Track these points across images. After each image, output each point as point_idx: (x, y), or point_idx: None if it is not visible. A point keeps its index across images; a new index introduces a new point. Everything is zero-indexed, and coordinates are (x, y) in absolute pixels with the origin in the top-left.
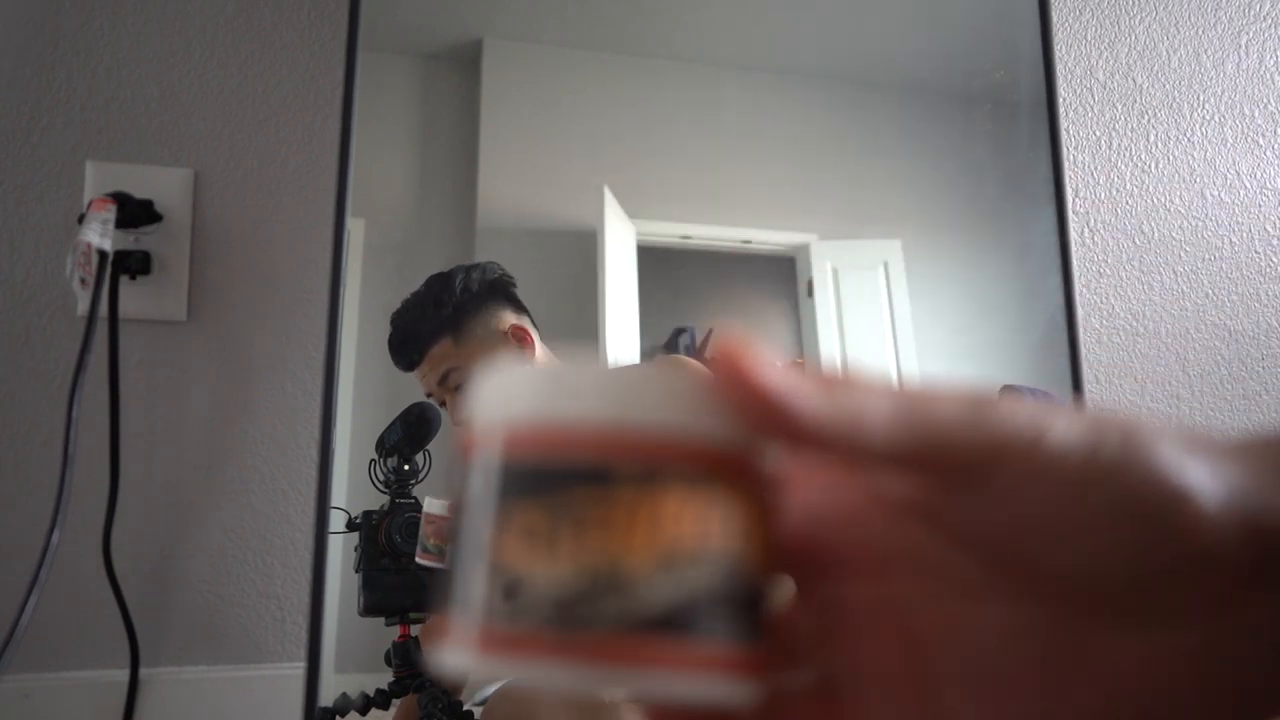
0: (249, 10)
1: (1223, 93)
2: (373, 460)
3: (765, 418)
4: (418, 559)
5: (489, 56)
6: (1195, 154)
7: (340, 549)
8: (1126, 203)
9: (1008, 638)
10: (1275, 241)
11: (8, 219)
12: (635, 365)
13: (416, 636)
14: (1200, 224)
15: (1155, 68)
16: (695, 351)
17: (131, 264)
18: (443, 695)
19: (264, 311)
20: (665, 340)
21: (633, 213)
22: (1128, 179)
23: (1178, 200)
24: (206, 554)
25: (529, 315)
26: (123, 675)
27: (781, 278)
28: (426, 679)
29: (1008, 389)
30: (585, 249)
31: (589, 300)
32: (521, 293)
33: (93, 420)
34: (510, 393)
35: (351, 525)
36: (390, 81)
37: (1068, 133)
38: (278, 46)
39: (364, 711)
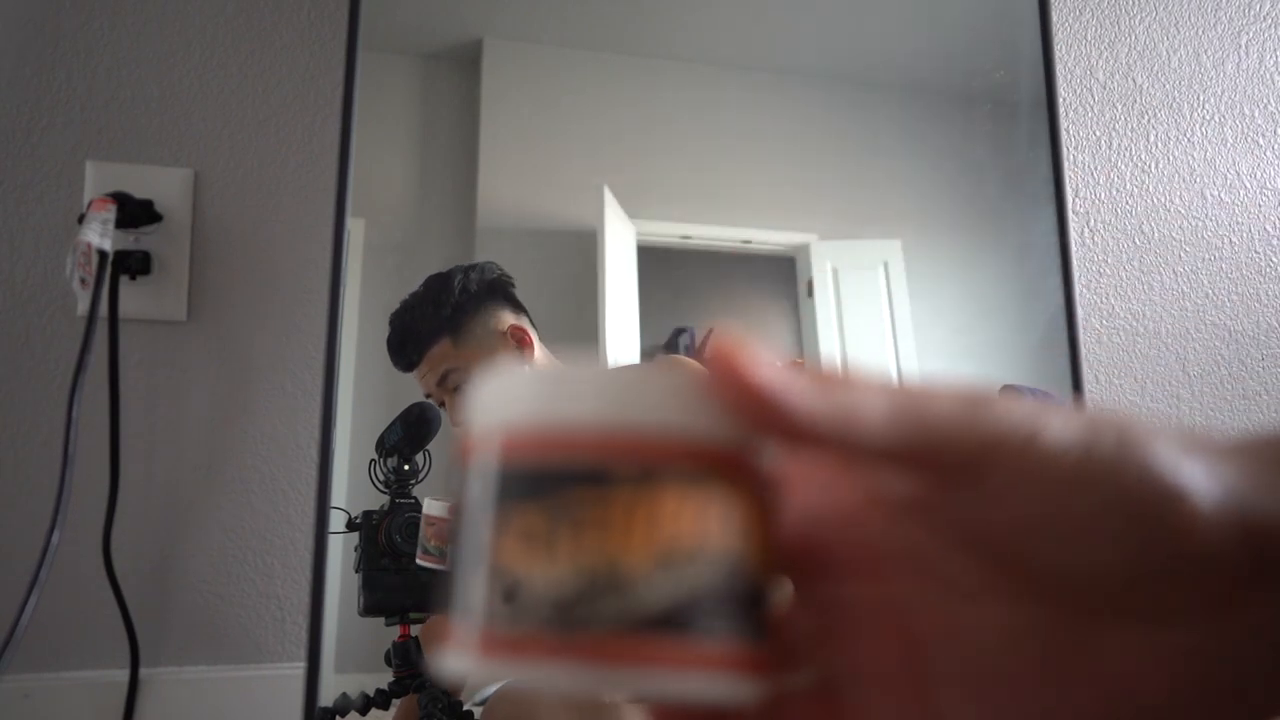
0: (249, 10)
1: (1223, 93)
2: (373, 460)
3: (760, 416)
4: (418, 560)
5: (489, 56)
6: (1195, 154)
7: (340, 549)
8: (1126, 203)
9: (1007, 638)
10: (1275, 241)
11: (8, 219)
12: (632, 366)
13: (416, 636)
14: (1200, 224)
15: (1155, 68)
16: (695, 352)
17: (131, 264)
18: (443, 695)
19: (264, 311)
20: (665, 340)
21: (633, 213)
22: (1128, 179)
23: (1178, 200)
24: (206, 554)
25: (528, 315)
26: (123, 675)
27: (781, 278)
28: (426, 679)
29: (1008, 389)
30: (585, 249)
31: (589, 300)
32: (521, 293)
33: (93, 420)
34: (507, 396)
35: (351, 525)
36: (390, 81)
37: (1068, 133)
38: (278, 46)
39: (364, 711)
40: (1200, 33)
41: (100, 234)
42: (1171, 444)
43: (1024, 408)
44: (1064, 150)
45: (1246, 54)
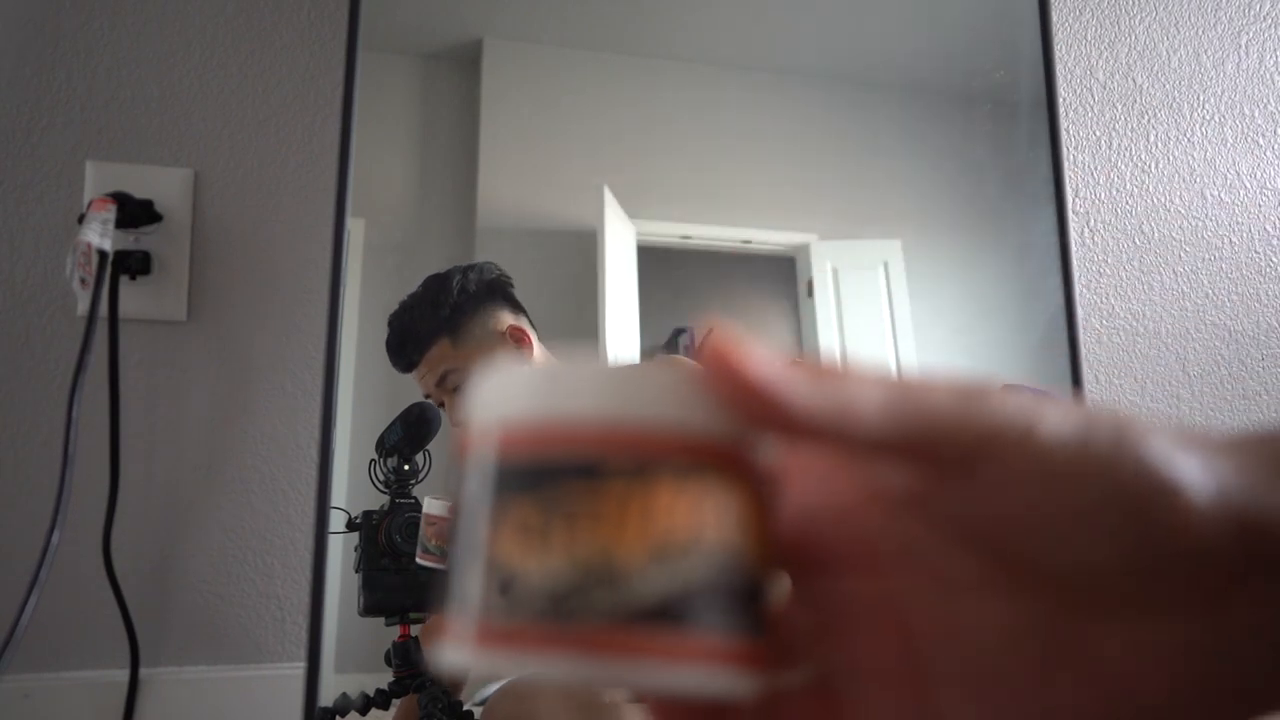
0: (249, 10)
1: (1223, 93)
2: (373, 460)
3: (756, 410)
4: (418, 559)
5: (489, 56)
6: (1195, 154)
7: (340, 549)
8: (1126, 203)
9: (1005, 634)
10: (1275, 241)
11: (8, 219)
12: (628, 363)
13: (416, 636)
14: (1200, 224)
15: (1155, 68)
16: (693, 351)
17: (131, 264)
18: (443, 695)
19: (264, 311)
20: (665, 340)
21: (633, 213)
22: (1128, 179)
23: (1178, 200)
24: (206, 554)
25: (526, 315)
26: (123, 675)
27: (781, 278)
28: (426, 679)
29: (1009, 388)
30: (585, 249)
31: (589, 300)
32: (521, 293)
33: (93, 420)
34: (504, 392)
35: (351, 525)
36: (390, 81)
37: (1068, 133)
38: (278, 46)
39: (364, 711)
40: (1200, 33)
41: (100, 234)
42: (1167, 440)
43: (1020, 401)
44: (1064, 150)
45: (1246, 54)
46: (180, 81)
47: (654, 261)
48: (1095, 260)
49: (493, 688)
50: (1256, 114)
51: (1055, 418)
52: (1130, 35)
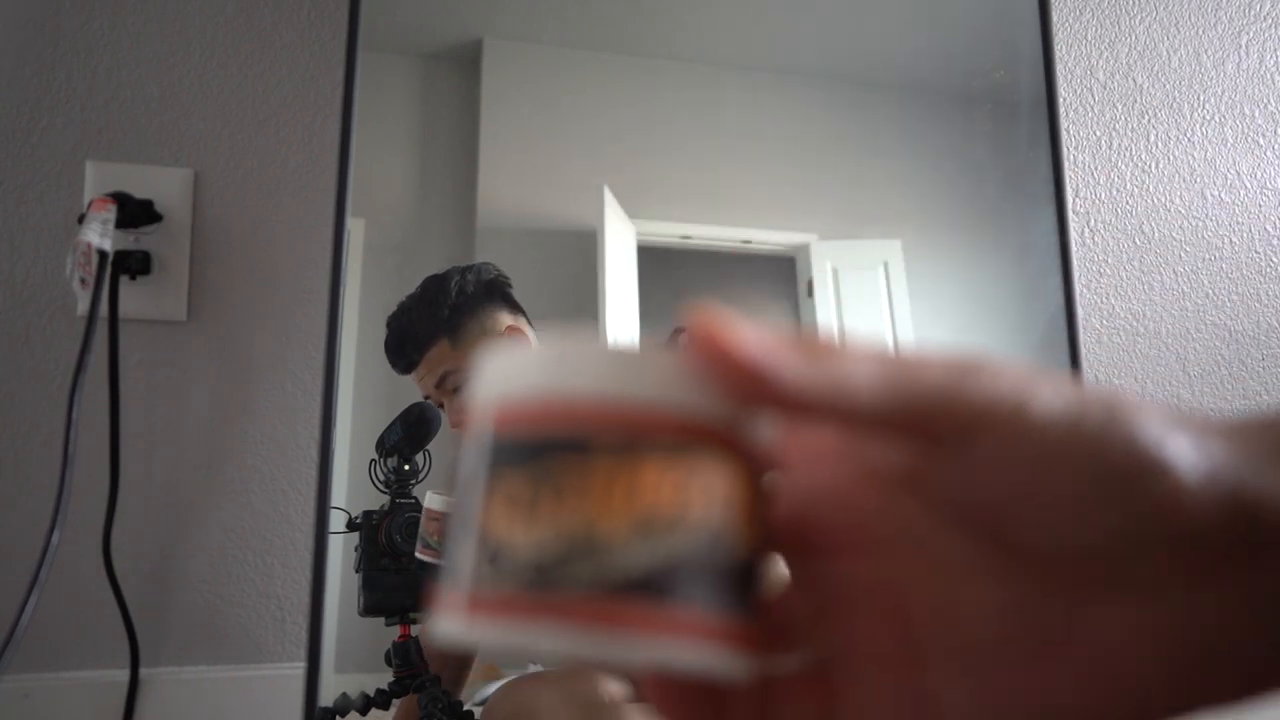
0: (249, 10)
1: (1223, 93)
2: (373, 460)
3: (747, 387)
4: (417, 554)
5: (489, 56)
6: (1195, 154)
7: (340, 549)
8: (1126, 203)
9: (999, 616)
10: (1275, 241)
11: (8, 219)
12: (626, 344)
13: (416, 636)
14: (1200, 224)
15: (1155, 68)
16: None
17: (131, 264)
18: (443, 695)
19: (264, 311)
20: (665, 341)
21: (633, 213)
22: (1128, 179)
23: (1178, 200)
24: (206, 554)
25: (525, 316)
26: (123, 675)
27: (781, 278)
28: (426, 679)
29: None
30: (585, 249)
31: (589, 300)
32: (521, 293)
33: (93, 420)
34: (503, 372)
35: (351, 525)
36: (390, 81)
37: (1068, 133)
38: (278, 46)
39: (364, 711)
40: (1200, 33)
41: (100, 234)
42: (1159, 419)
43: (1013, 378)
44: (1064, 150)
45: (1246, 54)
46: (180, 81)
47: (654, 261)
48: (1095, 260)
49: (493, 687)
50: (1256, 114)
51: (1048, 395)
52: (1130, 35)
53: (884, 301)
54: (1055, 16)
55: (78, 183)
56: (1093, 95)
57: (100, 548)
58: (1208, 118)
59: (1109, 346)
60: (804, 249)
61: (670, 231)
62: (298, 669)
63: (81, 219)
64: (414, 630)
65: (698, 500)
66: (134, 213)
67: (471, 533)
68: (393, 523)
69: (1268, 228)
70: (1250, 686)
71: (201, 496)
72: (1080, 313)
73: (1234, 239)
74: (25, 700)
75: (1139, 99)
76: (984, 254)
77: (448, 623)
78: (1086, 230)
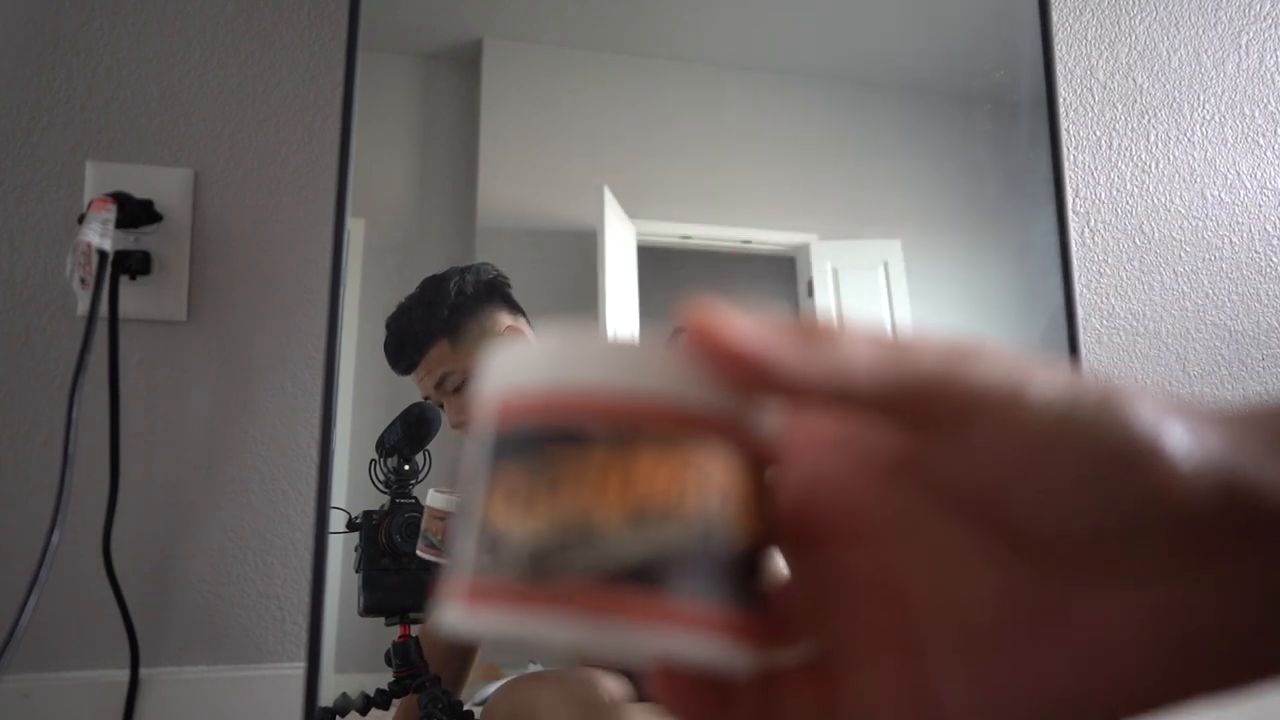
0: (249, 10)
1: (1223, 93)
2: (373, 460)
3: (746, 376)
4: (420, 552)
5: (489, 56)
6: (1195, 154)
7: (340, 549)
8: (1126, 203)
9: (995, 604)
10: (1275, 241)
11: (8, 219)
12: (625, 337)
13: (416, 636)
14: (1200, 224)
15: (1155, 68)
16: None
17: (131, 264)
18: (443, 695)
19: (264, 311)
20: (665, 339)
21: (633, 213)
22: (1128, 179)
23: (1178, 200)
24: (206, 554)
25: (525, 316)
26: (123, 675)
27: (781, 278)
28: (426, 679)
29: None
30: (585, 249)
31: (589, 300)
32: (521, 293)
33: (93, 420)
34: (507, 367)
35: (351, 525)
36: (390, 81)
37: (1068, 133)
38: (278, 46)
39: (364, 711)
40: (1200, 33)
41: (100, 234)
42: (1154, 406)
43: (1010, 363)
44: (1064, 150)
45: (1246, 54)
46: (180, 81)
47: (654, 261)
48: (1095, 260)
49: (492, 687)
50: (1256, 114)
51: (1043, 381)
52: (1130, 35)
53: (884, 301)
54: (1055, 16)
55: (78, 183)
56: (1093, 95)
57: (100, 548)
58: (1208, 118)
59: (1109, 346)
60: (804, 249)
61: (670, 231)
62: (298, 669)
63: (81, 219)
64: (414, 630)
65: (694, 491)
66: (134, 213)
67: (473, 525)
68: (393, 523)
69: (1268, 228)
70: (1249, 674)
71: (201, 496)
72: (1080, 313)
73: (1234, 239)
74: (25, 700)
75: (1139, 99)
76: (984, 254)
77: (449, 612)
78: (1086, 230)
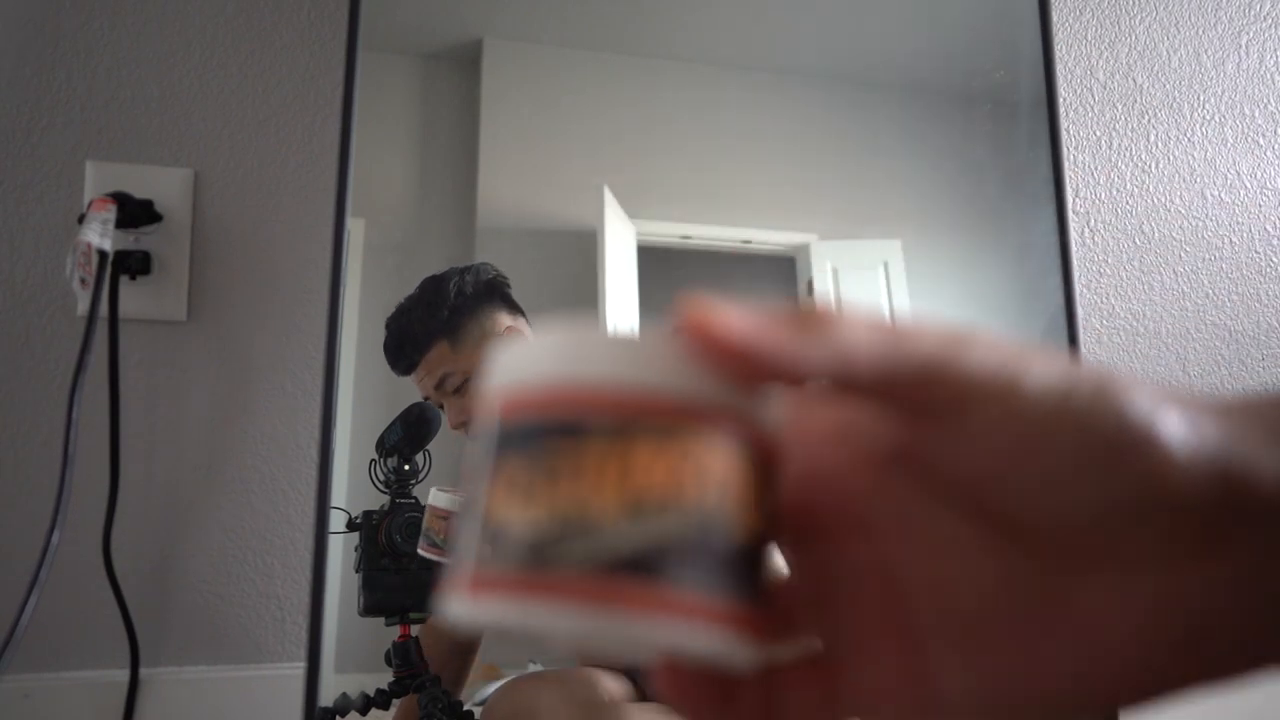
0: (249, 10)
1: (1223, 93)
2: (373, 460)
3: (744, 368)
4: (421, 551)
5: (489, 56)
6: (1195, 154)
7: (340, 549)
8: (1126, 203)
9: (992, 591)
10: (1275, 241)
11: (8, 219)
12: (626, 331)
13: (416, 636)
14: (1200, 224)
15: (1155, 68)
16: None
17: (131, 264)
18: (443, 695)
19: (264, 311)
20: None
21: (633, 213)
22: (1128, 179)
23: (1178, 200)
24: (206, 554)
25: (524, 316)
26: (123, 675)
27: (781, 278)
28: (426, 679)
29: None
30: (585, 249)
31: (589, 300)
32: (521, 293)
33: (93, 420)
34: (512, 362)
35: (351, 525)
36: (390, 81)
37: (1068, 133)
38: (278, 46)
39: (364, 711)
40: (1200, 33)
41: (100, 234)
42: (1150, 394)
43: (1006, 351)
44: (1064, 150)
45: (1246, 54)
46: (180, 81)
47: (654, 261)
48: (1095, 260)
49: (492, 687)
50: (1257, 114)
51: (1039, 369)
52: (1130, 35)
53: (884, 301)
54: (1055, 16)
55: (78, 183)
56: (1093, 95)
57: (100, 548)
58: (1208, 118)
59: (1109, 346)
60: (804, 249)
61: (670, 231)
62: (298, 669)
63: (81, 219)
64: (414, 630)
65: (691, 483)
66: (134, 213)
67: (476, 517)
68: (393, 523)
69: (1268, 228)
70: (1246, 663)
71: (201, 496)
72: (1080, 313)
73: (1234, 239)
74: (25, 700)
75: (1139, 99)
76: (984, 254)
77: (452, 603)
78: (1086, 230)
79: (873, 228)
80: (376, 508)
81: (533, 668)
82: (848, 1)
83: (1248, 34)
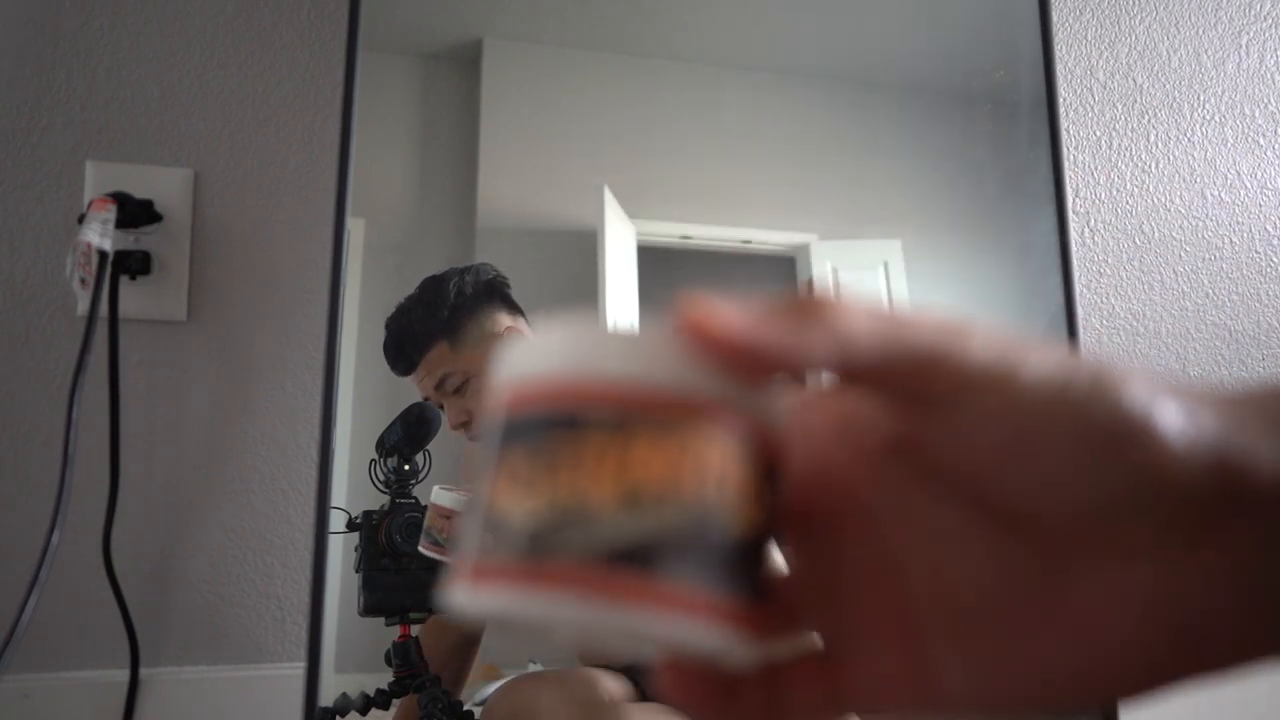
0: (249, 10)
1: (1223, 93)
2: (373, 460)
3: (744, 362)
4: (423, 549)
5: (489, 56)
6: (1195, 154)
7: (340, 549)
8: (1126, 203)
9: (990, 582)
10: (1275, 241)
11: (8, 219)
12: (629, 326)
13: (416, 636)
14: (1200, 224)
15: (1155, 68)
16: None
17: (131, 264)
18: (443, 695)
19: (264, 311)
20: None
21: (633, 213)
22: (1128, 179)
23: (1178, 200)
24: (206, 554)
25: (524, 316)
26: (123, 675)
27: (781, 278)
28: (426, 679)
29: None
30: (585, 249)
31: (589, 300)
32: (521, 293)
33: (93, 420)
34: (518, 358)
35: (351, 525)
36: (390, 81)
37: (1068, 133)
38: (278, 46)
39: (364, 711)
40: (1200, 33)
41: (100, 234)
42: (1147, 385)
43: (1004, 341)
44: (1064, 150)
45: (1247, 54)
46: (180, 81)
47: (654, 261)
48: (1095, 260)
49: (492, 687)
50: (1256, 114)
51: (1037, 359)
52: (1130, 35)
53: (884, 301)
54: (1055, 16)
55: (78, 183)
56: (1093, 95)
57: (100, 548)
58: (1208, 118)
59: (1109, 346)
60: (804, 249)
61: (670, 231)
62: (298, 669)
63: (81, 219)
64: (414, 630)
65: (690, 476)
66: (134, 213)
67: (480, 510)
68: (393, 523)
69: (1268, 228)
70: (1245, 653)
71: (201, 496)
72: (1080, 313)
73: (1234, 239)
74: (25, 700)
75: (1139, 99)
76: (984, 254)
77: (457, 592)
78: (1086, 230)
79: (873, 228)
80: (376, 508)
81: (533, 667)
82: (848, 1)
83: (1248, 34)
